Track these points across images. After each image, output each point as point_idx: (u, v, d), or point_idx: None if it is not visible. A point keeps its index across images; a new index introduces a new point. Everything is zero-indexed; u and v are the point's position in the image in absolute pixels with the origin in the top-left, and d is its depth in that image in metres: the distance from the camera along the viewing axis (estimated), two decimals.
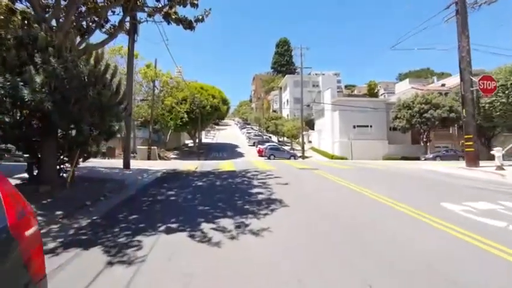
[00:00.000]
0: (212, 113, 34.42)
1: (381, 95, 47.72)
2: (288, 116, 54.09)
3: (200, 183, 8.34)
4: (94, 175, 9.07)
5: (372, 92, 63.32)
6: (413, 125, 29.98)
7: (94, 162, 14.96)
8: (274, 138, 50.91)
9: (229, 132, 62.45)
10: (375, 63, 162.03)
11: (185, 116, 31.35)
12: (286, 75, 60.90)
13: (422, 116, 29.30)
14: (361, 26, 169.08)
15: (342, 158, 33.08)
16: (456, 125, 31.63)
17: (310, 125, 46.29)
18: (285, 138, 49.82)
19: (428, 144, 31.72)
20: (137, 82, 29.59)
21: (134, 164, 15.44)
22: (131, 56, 10.65)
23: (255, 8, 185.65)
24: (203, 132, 45.49)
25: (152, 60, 28.52)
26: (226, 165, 14.24)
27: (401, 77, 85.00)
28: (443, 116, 28.78)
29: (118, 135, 10.48)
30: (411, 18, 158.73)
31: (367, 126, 34.39)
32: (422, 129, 30.11)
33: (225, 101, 36.98)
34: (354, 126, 34.19)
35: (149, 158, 26.63)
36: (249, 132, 55.64)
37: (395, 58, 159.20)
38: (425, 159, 29.13)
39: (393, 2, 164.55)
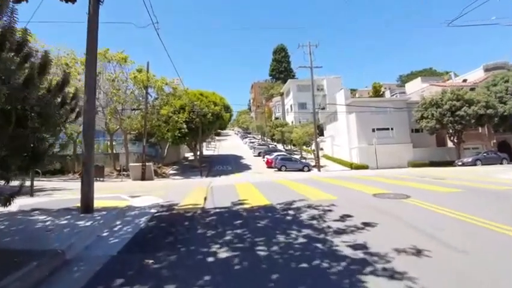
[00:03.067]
0: (214, 121, 29.98)
1: (393, 95, 43.79)
2: (292, 122, 49.82)
3: (223, 255, 3.74)
4: (12, 235, 4.49)
5: (377, 94, 59.57)
6: (445, 125, 25.72)
7: (59, 193, 10.41)
8: (280, 147, 46.51)
9: (230, 143, 57.93)
10: (370, 66, 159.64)
11: (184, 126, 26.90)
12: (288, 80, 56.91)
13: (455, 114, 25.12)
14: (356, 30, 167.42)
15: (363, 167, 28.63)
16: (489, 124, 27.44)
17: (318, 130, 41.99)
18: (292, 147, 45.46)
19: (459, 146, 27.42)
20: (128, 89, 25.26)
21: (113, 189, 10.84)
22: (92, 25, 6.23)
23: (246, 17, 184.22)
24: (203, 144, 41.00)
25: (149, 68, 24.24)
26: (246, 189, 9.68)
27: (403, 79, 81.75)
28: (479, 113, 24.64)
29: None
30: (411, 17, 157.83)
31: (388, 128, 30.12)
32: (454, 129, 25.84)
33: (227, 108, 32.67)
34: (373, 130, 29.88)
35: (143, 178, 21.98)
36: (252, 142, 51.30)
37: (391, 61, 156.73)
38: (463, 164, 24.74)
39: (387, 2, 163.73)
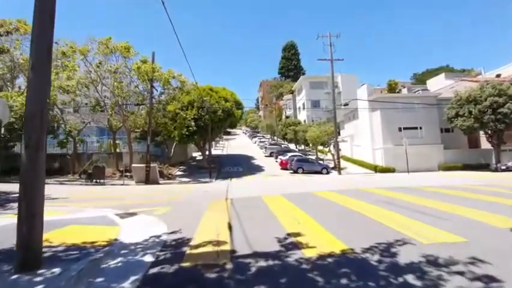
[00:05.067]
0: (224, 119, 27.26)
1: (415, 92, 40.49)
2: (305, 121, 46.86)
3: None
4: None
5: (393, 92, 56.15)
6: (485, 124, 22.51)
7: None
8: (292, 147, 43.62)
9: (239, 142, 55.22)
10: (381, 64, 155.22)
11: (193, 124, 24.26)
12: (301, 77, 53.78)
13: (497, 112, 21.92)
14: (364, 28, 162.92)
15: (388, 170, 25.60)
16: None
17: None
18: (305, 147, 42.53)
19: (499, 147, 24.13)
20: (132, 82, 22.64)
21: (107, 198, 8.06)
22: None
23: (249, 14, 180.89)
24: (212, 143, 38.37)
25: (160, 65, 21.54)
26: (283, 208, 6.83)
27: (417, 77, 77.93)
28: None
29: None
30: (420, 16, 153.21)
31: (416, 128, 27.00)
32: (495, 129, 22.60)
33: (238, 105, 29.87)
34: (400, 129, 26.80)
35: (147, 180, 19.40)
36: (262, 141, 48.53)
37: (402, 59, 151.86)
38: (508, 169, 21.53)
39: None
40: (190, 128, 24.30)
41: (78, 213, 6.97)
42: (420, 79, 71.27)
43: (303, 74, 71.85)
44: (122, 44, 20.92)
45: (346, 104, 27.79)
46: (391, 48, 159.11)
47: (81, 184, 18.45)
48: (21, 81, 24.33)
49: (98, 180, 19.49)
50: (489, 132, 23.66)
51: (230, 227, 5.09)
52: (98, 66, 20.46)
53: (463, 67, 68.14)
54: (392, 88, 59.74)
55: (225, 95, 28.08)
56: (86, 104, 24.33)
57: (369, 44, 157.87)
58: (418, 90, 39.72)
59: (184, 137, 25.72)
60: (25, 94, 19.93)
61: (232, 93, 29.39)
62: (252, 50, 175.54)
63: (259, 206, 7.17)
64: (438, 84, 38.95)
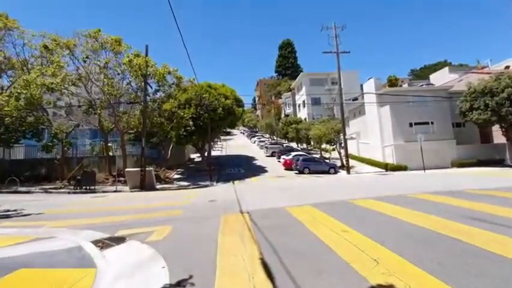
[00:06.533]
0: (225, 117, 25.30)
1: (421, 86, 39.12)
2: (306, 119, 45.12)
3: None
4: None
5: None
6: (503, 117, 20.94)
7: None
8: (294, 146, 41.83)
9: (238, 143, 53.26)
10: (375, 62, 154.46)
11: (191, 123, 22.31)
12: (301, 73, 51.95)
13: None
14: (356, 25, 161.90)
15: (400, 167, 23.94)
16: None
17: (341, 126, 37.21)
18: (307, 145, 40.78)
19: None
20: (125, 79, 20.52)
21: (93, 212, 6.09)
22: None
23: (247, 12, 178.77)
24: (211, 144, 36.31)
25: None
26: (325, 226, 4.89)
27: (416, 72, 76.80)
28: None
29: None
30: (412, 11, 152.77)
31: (427, 123, 25.37)
32: None
33: (239, 102, 27.94)
34: (410, 124, 25.16)
35: (142, 186, 17.39)
36: (262, 141, 46.70)
37: (398, 56, 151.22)
38: None
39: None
40: (188, 128, 22.36)
41: (43, 241, 5.02)
42: (419, 75, 70.17)
43: (301, 71, 70.15)
44: (113, 37, 18.90)
45: (355, 99, 26.06)
46: (385, 45, 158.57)
47: (68, 192, 16.35)
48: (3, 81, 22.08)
49: (87, 187, 17.41)
50: (505, 125, 22.12)
51: (268, 272, 3.21)
52: (84, 61, 18.37)
53: (459, 62, 67.10)
54: (393, 84, 58.08)
55: (225, 92, 26.14)
56: (80, 106, 22.14)
57: (361, 42, 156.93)
58: (423, 85, 38.27)
59: (182, 138, 23.76)
60: (4, 94, 17.55)
61: (232, 90, 27.45)
62: (247, 49, 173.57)
63: (293, 225, 5.27)
64: (442, 79, 37.54)
